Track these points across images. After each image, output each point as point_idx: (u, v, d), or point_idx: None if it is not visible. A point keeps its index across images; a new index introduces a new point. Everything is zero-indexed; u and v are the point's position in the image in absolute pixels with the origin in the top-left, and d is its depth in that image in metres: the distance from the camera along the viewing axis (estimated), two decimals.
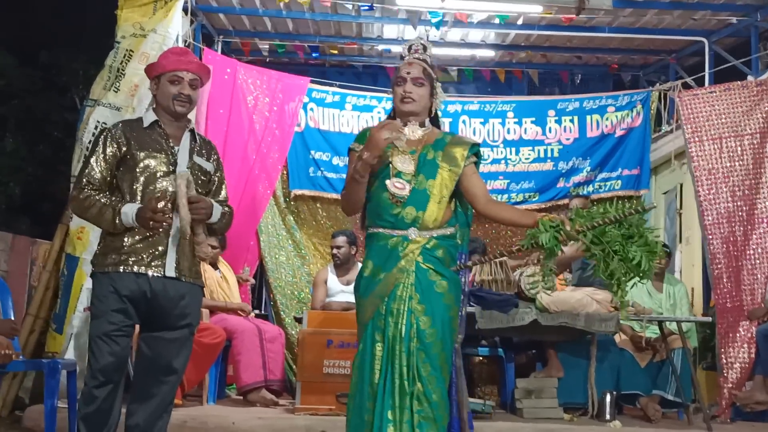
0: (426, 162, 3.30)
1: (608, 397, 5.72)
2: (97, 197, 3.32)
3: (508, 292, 5.69)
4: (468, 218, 3.45)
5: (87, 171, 3.37)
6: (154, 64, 3.56)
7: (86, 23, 11.57)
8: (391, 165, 3.30)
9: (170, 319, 3.39)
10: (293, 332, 6.93)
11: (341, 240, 6.36)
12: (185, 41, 6.40)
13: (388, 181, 3.27)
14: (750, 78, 7.26)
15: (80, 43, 11.77)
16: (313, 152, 7.18)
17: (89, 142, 5.23)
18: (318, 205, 7.30)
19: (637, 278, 3.19)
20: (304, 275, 7.24)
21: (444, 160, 3.30)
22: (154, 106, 3.52)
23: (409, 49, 3.43)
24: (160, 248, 3.34)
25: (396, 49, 8.93)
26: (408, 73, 3.33)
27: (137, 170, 3.35)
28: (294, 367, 6.55)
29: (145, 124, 3.45)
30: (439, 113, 3.52)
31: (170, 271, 3.34)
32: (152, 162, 3.37)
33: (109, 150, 3.37)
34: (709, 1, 7.42)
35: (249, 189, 6.84)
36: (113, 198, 3.35)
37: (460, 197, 3.39)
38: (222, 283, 6.26)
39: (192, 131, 3.53)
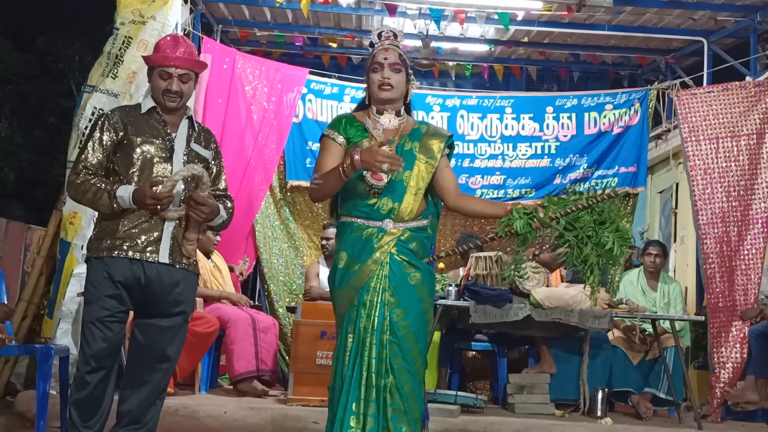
0: (403, 153, 3.26)
1: (600, 394, 5.74)
2: (93, 181, 3.32)
3: (503, 287, 5.70)
4: (438, 210, 3.44)
5: (84, 156, 3.37)
6: (149, 54, 3.57)
7: (84, 9, 11.53)
8: None
9: (164, 306, 3.38)
10: (287, 323, 6.93)
11: (331, 232, 6.37)
12: (184, 30, 6.37)
13: (365, 172, 3.21)
14: (748, 79, 7.27)
15: (78, 29, 11.72)
16: (310, 143, 7.16)
17: (86, 128, 5.24)
18: None
19: (609, 264, 3.23)
20: (297, 267, 7.24)
21: (421, 151, 3.28)
22: (152, 93, 3.52)
23: (379, 36, 3.37)
24: (155, 234, 3.33)
25: None
26: (385, 58, 3.28)
27: (134, 156, 3.35)
28: (287, 357, 6.54)
29: (143, 110, 3.45)
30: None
31: (164, 258, 3.34)
32: (149, 148, 3.36)
33: (105, 136, 3.37)
34: (708, 1, 7.42)
35: (246, 180, 6.82)
36: (109, 182, 3.34)
37: (431, 189, 3.36)
38: (215, 272, 6.25)
39: (190, 118, 3.53)
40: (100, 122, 3.41)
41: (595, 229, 3.12)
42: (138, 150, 3.35)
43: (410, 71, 3.37)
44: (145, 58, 3.53)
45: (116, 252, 3.30)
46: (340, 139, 3.34)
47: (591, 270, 3.16)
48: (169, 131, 3.43)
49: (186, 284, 3.44)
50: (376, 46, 3.36)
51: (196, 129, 3.54)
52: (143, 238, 3.32)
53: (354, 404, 3.11)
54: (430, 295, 3.27)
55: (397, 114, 3.34)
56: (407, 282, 3.19)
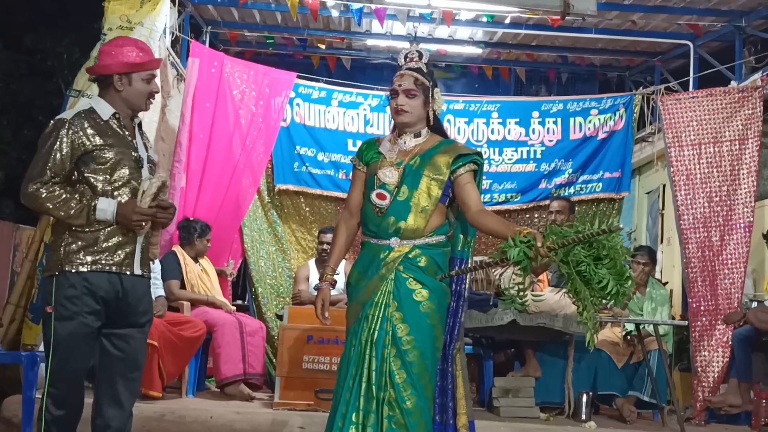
0: (410, 172, 3.33)
1: (585, 398, 5.78)
2: (62, 191, 3.20)
3: (488, 291, 5.73)
4: (468, 225, 3.41)
5: (50, 164, 3.18)
6: (117, 58, 3.32)
7: (71, 6, 11.52)
8: (376, 177, 3.36)
9: (136, 316, 3.36)
10: (274, 326, 6.95)
11: (330, 237, 6.39)
12: (172, 33, 6.37)
13: (372, 193, 3.33)
14: (733, 83, 7.31)
15: (65, 27, 11.69)
16: (298, 147, 7.19)
17: None
18: (302, 200, 7.32)
19: (605, 300, 3.03)
20: (285, 270, 7.26)
21: (429, 169, 3.33)
22: (106, 98, 3.35)
23: (405, 57, 3.46)
24: (130, 247, 3.32)
25: (384, 43, 8.94)
26: (399, 85, 3.38)
27: (104, 164, 3.26)
28: (274, 360, 6.57)
29: (104, 117, 3.31)
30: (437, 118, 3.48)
31: (138, 270, 3.35)
32: (117, 156, 3.27)
33: (70, 142, 3.21)
34: (695, 5, 7.46)
35: (233, 183, 6.83)
36: (79, 192, 3.24)
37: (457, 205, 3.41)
38: (202, 275, 6.27)
39: (139, 124, 3.49)
40: (64, 129, 3.21)
41: (588, 263, 2.94)
42: (106, 158, 3.26)
43: (432, 91, 3.39)
44: (129, 64, 3.32)
45: (98, 266, 3.24)
46: (361, 165, 3.48)
47: (585, 307, 2.99)
48: (130, 138, 3.36)
49: (149, 292, 3.49)
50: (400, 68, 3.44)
51: (144, 135, 3.51)
52: (120, 252, 3.29)
53: (354, 414, 3.16)
54: (439, 311, 3.29)
55: (416, 135, 3.40)
56: (412, 298, 3.24)
